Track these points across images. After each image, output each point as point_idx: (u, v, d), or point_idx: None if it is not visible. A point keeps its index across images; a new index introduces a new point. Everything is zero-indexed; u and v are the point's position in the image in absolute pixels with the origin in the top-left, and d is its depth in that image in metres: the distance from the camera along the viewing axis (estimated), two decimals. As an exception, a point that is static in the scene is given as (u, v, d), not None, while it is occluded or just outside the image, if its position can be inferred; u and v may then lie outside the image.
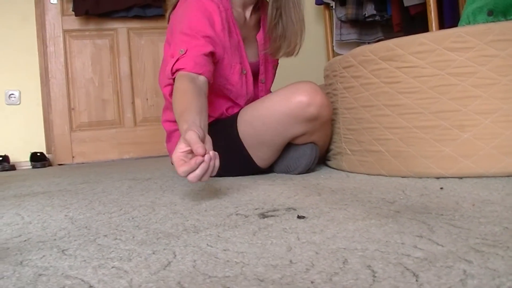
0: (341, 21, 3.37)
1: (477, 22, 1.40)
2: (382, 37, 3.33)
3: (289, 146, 1.60)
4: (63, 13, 3.47)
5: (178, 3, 1.64)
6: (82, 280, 0.60)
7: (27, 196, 1.53)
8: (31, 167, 3.21)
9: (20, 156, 3.30)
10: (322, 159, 1.78)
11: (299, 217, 0.88)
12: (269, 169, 1.68)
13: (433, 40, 1.29)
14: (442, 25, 2.53)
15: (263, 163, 1.61)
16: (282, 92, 1.52)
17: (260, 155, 1.58)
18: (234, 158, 1.59)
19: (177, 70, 1.41)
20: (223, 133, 1.59)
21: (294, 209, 0.97)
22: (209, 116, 1.64)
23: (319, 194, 1.14)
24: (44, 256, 0.73)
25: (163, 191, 1.41)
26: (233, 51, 1.62)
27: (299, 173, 1.60)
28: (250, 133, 1.54)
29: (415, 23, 2.88)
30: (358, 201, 1.01)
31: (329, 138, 1.69)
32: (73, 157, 3.45)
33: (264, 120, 1.52)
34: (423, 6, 2.63)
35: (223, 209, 1.04)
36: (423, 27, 2.64)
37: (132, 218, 1.00)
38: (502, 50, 1.23)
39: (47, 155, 3.35)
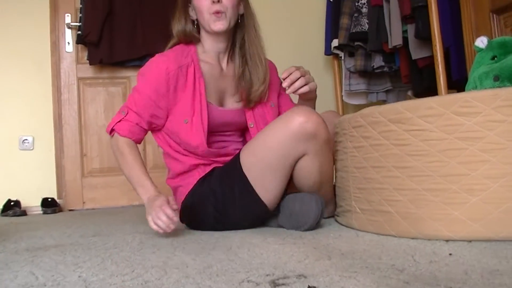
0: (350, 71, 3.43)
1: (484, 87, 1.43)
2: (391, 87, 3.38)
3: (294, 201, 1.64)
4: (77, 61, 3.56)
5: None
6: None
7: (40, 250, 1.54)
8: (41, 212, 3.23)
9: (31, 201, 3.32)
10: (330, 208, 1.83)
11: (310, 287, 0.89)
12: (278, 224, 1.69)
13: (441, 105, 1.32)
14: (449, 78, 2.57)
15: (269, 198, 1.64)
16: (279, 117, 1.65)
17: (265, 186, 1.62)
18: (239, 199, 1.65)
19: (114, 130, 1.79)
20: (225, 171, 1.72)
21: (305, 277, 0.98)
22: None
23: (329, 258, 1.15)
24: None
25: (174, 249, 1.42)
26: (187, 104, 1.76)
27: (308, 229, 1.61)
28: (253, 161, 1.63)
29: (423, 75, 2.92)
30: (368, 268, 1.02)
31: (332, 172, 1.75)
32: (83, 202, 3.47)
33: (266, 144, 1.61)
34: (431, 59, 2.68)
35: (235, 274, 1.05)
36: (431, 79, 2.68)
37: (145, 283, 1.01)
38: (509, 115, 1.25)
39: (57, 200, 3.37)
